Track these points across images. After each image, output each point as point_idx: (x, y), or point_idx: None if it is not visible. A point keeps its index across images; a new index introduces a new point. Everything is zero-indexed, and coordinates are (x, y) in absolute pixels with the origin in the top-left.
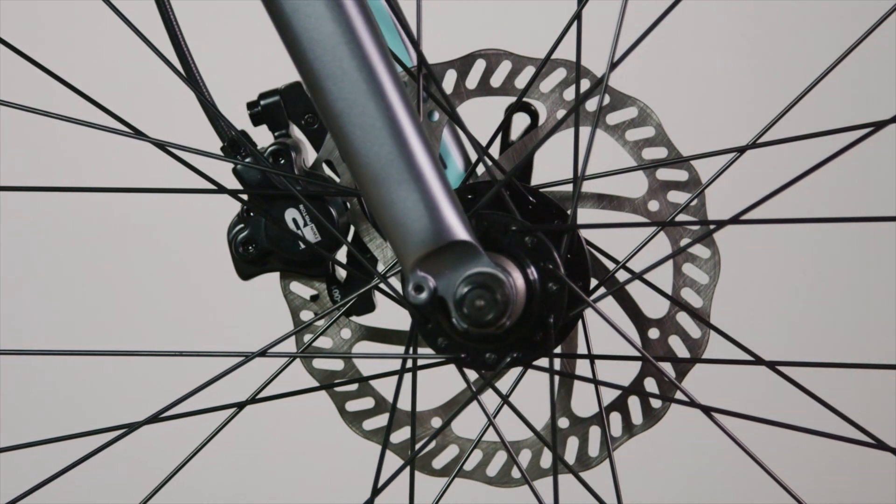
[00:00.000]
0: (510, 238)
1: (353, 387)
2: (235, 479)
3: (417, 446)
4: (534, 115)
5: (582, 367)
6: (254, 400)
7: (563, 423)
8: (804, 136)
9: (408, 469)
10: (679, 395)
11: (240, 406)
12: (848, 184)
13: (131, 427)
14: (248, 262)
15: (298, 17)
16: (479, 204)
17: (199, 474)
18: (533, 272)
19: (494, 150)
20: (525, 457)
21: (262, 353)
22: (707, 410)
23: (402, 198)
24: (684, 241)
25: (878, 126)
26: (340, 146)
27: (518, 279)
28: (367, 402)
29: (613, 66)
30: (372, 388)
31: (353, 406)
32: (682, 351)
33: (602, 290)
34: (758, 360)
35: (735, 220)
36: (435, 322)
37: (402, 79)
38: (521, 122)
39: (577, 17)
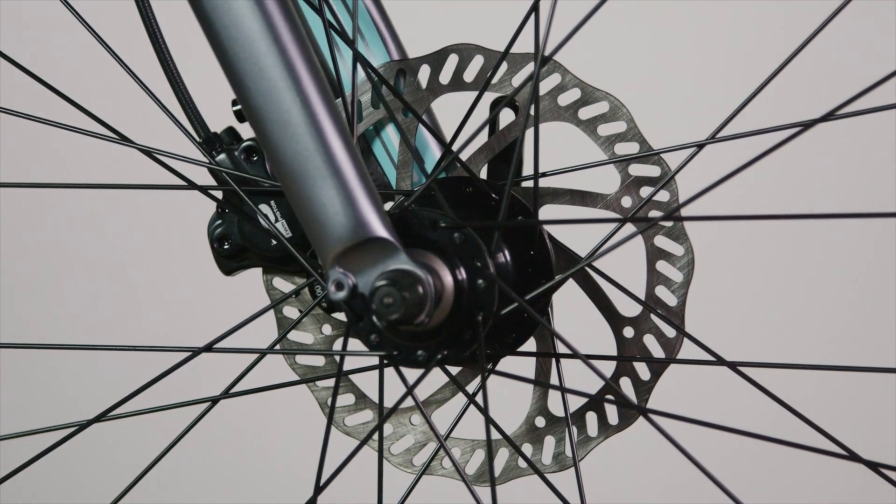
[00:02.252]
0: (439, 235)
1: (331, 382)
2: (204, 475)
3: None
4: (518, 110)
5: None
6: (227, 395)
7: (540, 422)
8: (753, 132)
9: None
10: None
11: (214, 401)
12: (811, 181)
13: (81, 426)
14: (226, 258)
15: (218, 14)
16: (410, 199)
17: (169, 470)
18: (461, 270)
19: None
20: (503, 455)
21: (208, 348)
22: (644, 412)
23: (318, 194)
24: (658, 237)
25: (806, 126)
26: (261, 142)
27: (445, 277)
28: (348, 399)
29: (545, 60)
30: (353, 385)
31: (341, 401)
32: (657, 350)
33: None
34: (719, 361)
35: (667, 216)
36: (367, 319)
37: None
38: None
39: (535, 9)
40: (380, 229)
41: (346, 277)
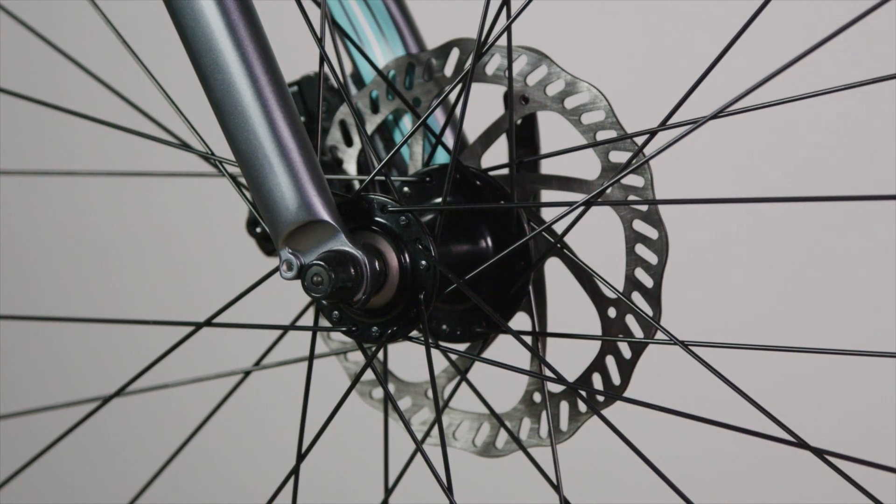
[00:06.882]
0: (388, 218)
1: (358, 356)
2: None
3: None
4: (525, 100)
5: (559, 347)
6: (259, 366)
7: (537, 397)
8: (690, 121)
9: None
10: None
11: (245, 373)
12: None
13: (105, 399)
14: (262, 240)
15: (183, 14)
16: (361, 186)
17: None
18: (405, 252)
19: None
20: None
21: (209, 322)
22: (575, 389)
23: (268, 179)
24: (636, 222)
25: (652, 134)
26: (223, 133)
27: (391, 258)
28: (372, 372)
29: (479, 57)
30: (376, 359)
31: (364, 375)
32: (638, 331)
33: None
34: (672, 340)
35: (589, 202)
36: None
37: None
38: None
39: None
40: (322, 213)
41: (295, 258)
